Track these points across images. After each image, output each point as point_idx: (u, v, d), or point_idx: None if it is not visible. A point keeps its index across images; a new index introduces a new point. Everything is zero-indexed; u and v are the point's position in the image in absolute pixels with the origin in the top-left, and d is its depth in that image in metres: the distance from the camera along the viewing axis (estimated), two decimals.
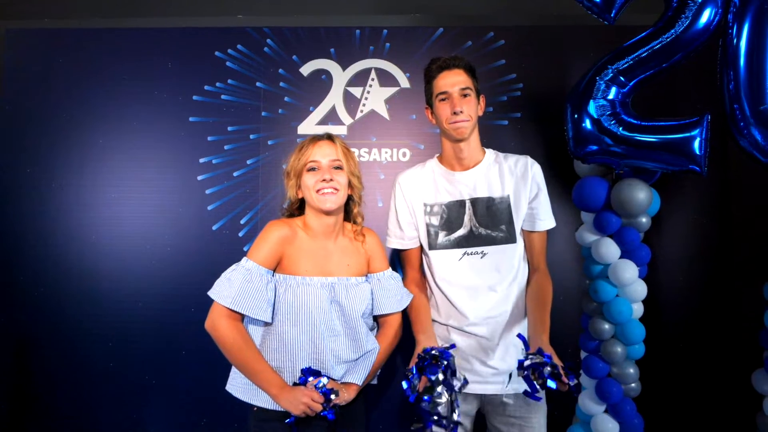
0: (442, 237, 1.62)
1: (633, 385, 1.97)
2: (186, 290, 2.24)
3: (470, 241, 1.60)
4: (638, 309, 1.98)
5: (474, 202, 1.62)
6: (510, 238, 1.60)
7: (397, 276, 1.66)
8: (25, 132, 2.33)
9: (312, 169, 1.49)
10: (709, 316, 2.20)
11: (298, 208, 1.58)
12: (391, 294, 1.59)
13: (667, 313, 2.17)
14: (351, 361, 1.50)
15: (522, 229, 1.63)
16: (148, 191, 2.31)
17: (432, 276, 1.65)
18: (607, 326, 1.93)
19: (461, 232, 1.61)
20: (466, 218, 1.61)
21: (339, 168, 1.50)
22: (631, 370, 1.95)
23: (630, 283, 1.91)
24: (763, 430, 1.88)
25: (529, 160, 1.66)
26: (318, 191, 1.47)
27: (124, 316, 2.26)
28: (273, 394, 1.38)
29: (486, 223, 1.60)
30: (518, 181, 1.63)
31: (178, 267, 2.27)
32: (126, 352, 2.25)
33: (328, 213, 1.50)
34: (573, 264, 2.24)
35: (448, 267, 1.60)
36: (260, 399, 1.43)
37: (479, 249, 1.59)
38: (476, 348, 1.57)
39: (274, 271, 1.48)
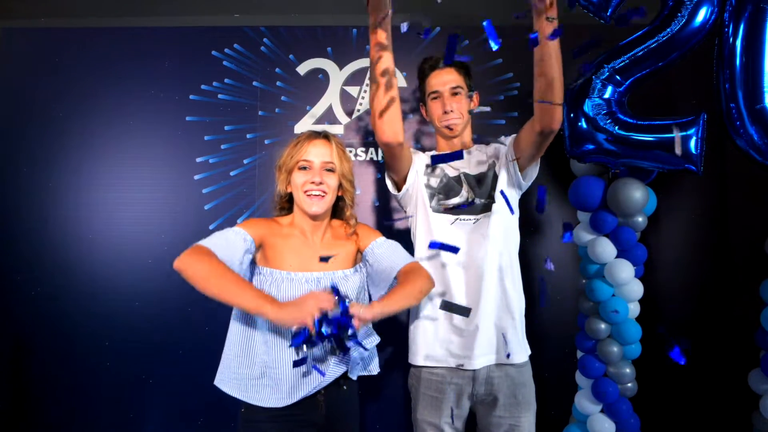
0: (435, 201, 1.65)
1: (629, 384, 1.97)
2: (182, 289, 2.18)
3: (463, 210, 1.64)
4: (634, 308, 1.98)
5: (467, 175, 1.67)
6: (493, 203, 1.63)
7: (392, 241, 1.60)
8: (22, 131, 2.33)
9: (303, 168, 1.48)
10: (705, 315, 2.19)
11: (288, 200, 1.56)
12: (393, 252, 1.53)
13: (663, 312, 2.17)
14: (342, 356, 1.46)
15: (513, 148, 1.64)
16: (145, 190, 2.30)
17: (424, 238, 1.65)
18: (603, 326, 1.93)
19: (457, 200, 1.65)
20: (463, 190, 1.66)
21: (331, 170, 1.49)
22: (628, 370, 1.95)
23: (626, 282, 1.91)
24: (759, 430, 1.88)
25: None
26: (306, 192, 1.46)
27: (120, 315, 2.25)
28: (271, 311, 1.24)
29: (479, 193, 1.65)
30: (495, 147, 1.71)
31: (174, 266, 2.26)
32: (123, 350, 2.25)
33: (313, 217, 1.50)
34: (569, 263, 2.24)
35: (440, 231, 1.62)
36: (249, 395, 1.41)
37: (471, 216, 1.63)
38: (458, 316, 1.58)
39: (258, 264, 1.47)
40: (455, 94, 1.66)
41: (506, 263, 1.61)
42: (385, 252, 1.53)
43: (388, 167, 1.69)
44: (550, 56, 1.41)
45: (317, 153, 1.48)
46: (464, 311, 1.51)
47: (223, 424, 2.21)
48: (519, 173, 1.64)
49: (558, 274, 2.23)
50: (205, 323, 2.20)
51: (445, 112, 1.66)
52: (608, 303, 1.91)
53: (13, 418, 2.27)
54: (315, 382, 1.40)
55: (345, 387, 1.48)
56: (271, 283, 1.43)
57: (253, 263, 1.47)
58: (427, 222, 1.65)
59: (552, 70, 1.42)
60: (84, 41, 2.35)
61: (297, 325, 1.25)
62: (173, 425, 2.25)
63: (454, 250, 1.49)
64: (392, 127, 1.52)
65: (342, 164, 1.50)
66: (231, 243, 1.37)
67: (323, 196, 1.47)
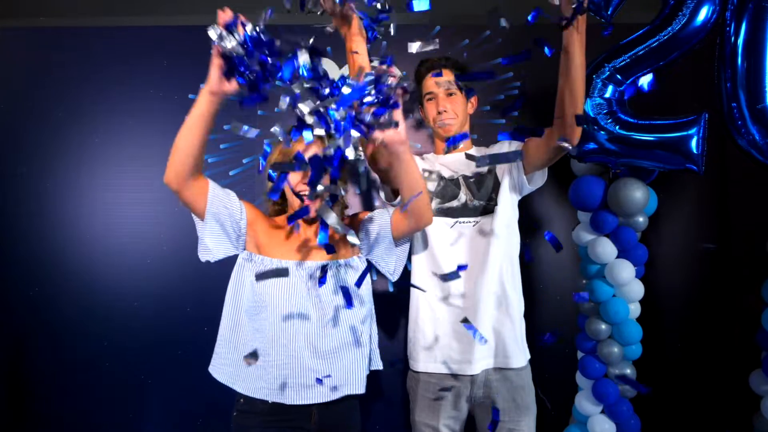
0: (434, 204, 1.65)
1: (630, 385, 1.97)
2: (181, 289, 2.23)
3: (463, 212, 1.63)
4: (635, 309, 1.97)
5: (466, 177, 1.67)
6: (494, 206, 1.62)
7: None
8: (20, 131, 2.32)
9: None
10: (706, 316, 2.19)
11: (281, 196, 1.55)
12: (384, 208, 1.54)
13: (664, 313, 2.16)
14: (330, 353, 1.41)
15: (522, 159, 1.63)
16: (144, 190, 2.29)
17: (421, 242, 1.65)
18: (603, 326, 1.93)
19: (454, 203, 1.65)
20: (462, 193, 1.65)
21: None
22: (628, 371, 1.94)
23: (627, 283, 1.90)
24: (760, 431, 1.88)
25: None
26: (299, 192, 1.45)
27: (119, 315, 2.24)
28: (205, 86, 1.27)
29: (479, 195, 1.64)
30: (498, 150, 1.70)
31: (173, 266, 2.25)
32: (122, 351, 2.24)
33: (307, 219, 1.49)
34: (569, 264, 2.23)
35: (439, 234, 1.62)
36: (237, 381, 1.41)
37: (471, 219, 1.62)
38: (457, 320, 1.56)
39: (250, 250, 1.46)
40: (450, 95, 1.66)
41: (507, 266, 1.61)
42: (376, 212, 1.53)
43: (382, 180, 1.68)
44: (576, 68, 1.41)
45: (308, 151, 1.46)
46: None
47: (223, 425, 2.19)
48: (524, 177, 1.63)
49: (558, 274, 2.22)
50: (205, 323, 2.19)
51: (439, 113, 1.66)
52: (609, 304, 1.91)
53: (11, 418, 2.26)
54: (303, 372, 1.37)
55: (345, 403, 1.45)
56: (260, 270, 1.42)
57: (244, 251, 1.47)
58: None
59: (577, 83, 1.42)
60: (82, 40, 2.34)
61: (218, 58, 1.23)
62: (172, 426, 2.25)
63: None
64: (383, 156, 1.50)
65: None
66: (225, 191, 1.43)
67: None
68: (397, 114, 1.22)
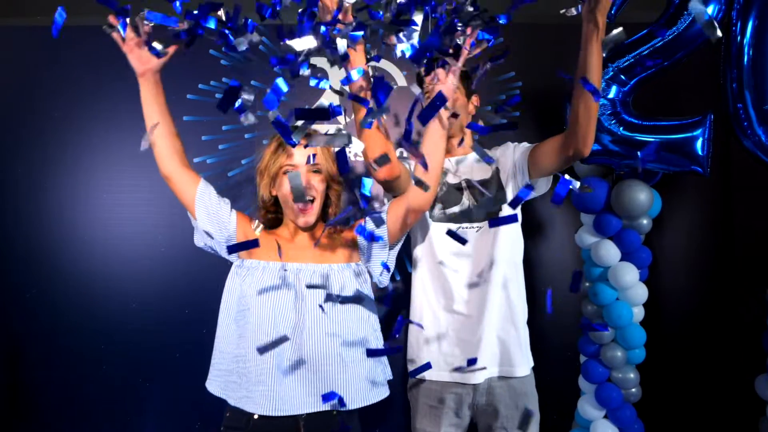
0: (437, 210, 1.63)
1: (633, 390, 1.95)
2: (180, 291, 2.22)
3: (466, 216, 1.61)
4: (639, 312, 1.95)
5: (469, 182, 1.65)
6: (498, 211, 1.61)
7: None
8: (18, 131, 2.31)
9: (288, 173, 1.43)
10: (711, 319, 2.17)
11: (274, 204, 1.51)
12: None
13: (668, 316, 2.14)
14: (318, 362, 1.34)
15: (528, 163, 1.61)
16: (142, 191, 2.28)
17: (424, 248, 1.63)
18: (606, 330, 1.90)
19: (457, 209, 1.62)
20: (464, 197, 1.63)
21: (318, 171, 1.44)
22: (632, 375, 1.93)
23: (630, 286, 1.88)
24: None
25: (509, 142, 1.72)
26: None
27: (117, 317, 2.23)
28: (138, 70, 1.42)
29: (482, 200, 1.63)
30: (501, 154, 1.69)
31: (171, 268, 2.24)
32: (119, 353, 2.22)
33: (304, 228, 1.46)
34: (572, 266, 2.21)
35: (442, 239, 1.59)
36: (225, 393, 1.39)
37: (475, 224, 1.60)
38: (461, 327, 1.55)
39: (241, 257, 1.44)
40: None
41: (511, 272, 1.58)
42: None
43: (386, 189, 1.65)
44: (593, 80, 1.38)
45: (302, 154, 1.43)
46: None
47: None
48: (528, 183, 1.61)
49: (561, 277, 2.20)
50: (203, 325, 2.17)
51: None
52: (612, 307, 1.88)
53: (8, 420, 2.25)
54: (283, 381, 1.32)
55: (336, 414, 1.36)
56: (247, 274, 1.40)
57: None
58: (427, 232, 1.62)
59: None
60: (80, 40, 2.32)
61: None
62: (170, 429, 2.23)
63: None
64: (388, 168, 1.47)
65: (328, 163, 1.47)
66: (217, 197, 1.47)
67: (312, 203, 1.43)
68: (443, 70, 1.33)
